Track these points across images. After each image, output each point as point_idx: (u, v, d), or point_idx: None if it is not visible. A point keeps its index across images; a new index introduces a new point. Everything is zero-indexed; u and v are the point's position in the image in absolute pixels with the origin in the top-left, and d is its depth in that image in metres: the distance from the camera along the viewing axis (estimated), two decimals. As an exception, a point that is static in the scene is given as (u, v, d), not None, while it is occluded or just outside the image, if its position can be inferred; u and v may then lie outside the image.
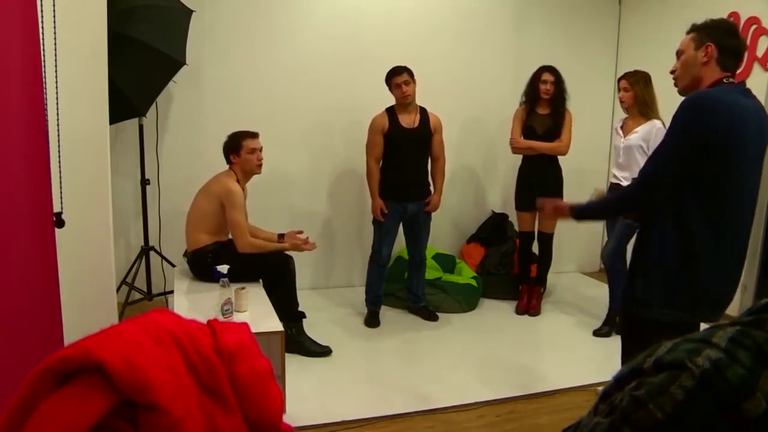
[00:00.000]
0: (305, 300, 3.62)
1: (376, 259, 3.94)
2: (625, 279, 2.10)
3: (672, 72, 2.01)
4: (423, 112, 3.86)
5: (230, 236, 3.40)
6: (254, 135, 3.35)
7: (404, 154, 3.81)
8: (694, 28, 1.97)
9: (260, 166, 3.37)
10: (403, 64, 3.75)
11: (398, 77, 3.71)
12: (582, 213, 2.20)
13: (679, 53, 1.99)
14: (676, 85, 2.02)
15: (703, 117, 1.80)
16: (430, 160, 3.95)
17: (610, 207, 2.30)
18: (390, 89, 3.78)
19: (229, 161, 3.37)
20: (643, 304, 1.96)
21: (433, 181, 3.98)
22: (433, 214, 4.02)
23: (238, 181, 3.32)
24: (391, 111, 3.82)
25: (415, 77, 3.75)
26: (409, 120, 3.80)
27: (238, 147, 3.32)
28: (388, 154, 3.82)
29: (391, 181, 3.83)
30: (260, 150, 3.36)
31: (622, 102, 3.67)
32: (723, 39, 1.90)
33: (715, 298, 1.95)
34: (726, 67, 1.91)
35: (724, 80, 1.90)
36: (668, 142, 1.88)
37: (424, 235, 4.01)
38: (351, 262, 4.73)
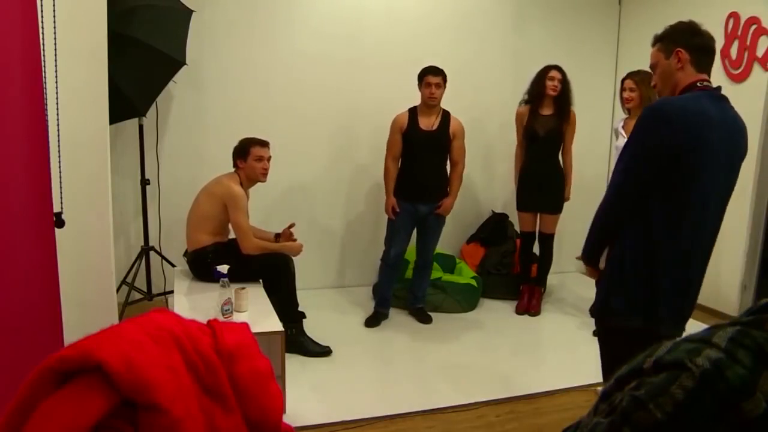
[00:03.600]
0: (305, 300, 3.62)
1: (385, 258, 3.95)
2: (597, 287, 2.09)
3: (654, 86, 2.01)
4: (445, 115, 3.83)
5: (231, 237, 3.40)
6: (264, 144, 3.35)
7: (419, 155, 3.79)
8: (657, 39, 1.96)
9: (265, 174, 3.37)
10: (437, 65, 3.73)
11: (432, 77, 3.69)
12: (584, 252, 2.12)
13: (653, 67, 1.98)
14: (659, 97, 2.00)
15: (659, 125, 1.78)
16: (449, 164, 3.92)
17: (594, 228, 2.06)
18: (419, 85, 3.76)
19: (235, 164, 3.38)
20: (612, 312, 1.97)
21: (450, 185, 3.95)
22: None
23: (241, 185, 3.32)
24: (413, 111, 3.81)
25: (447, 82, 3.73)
26: (428, 122, 3.78)
27: (246, 153, 3.32)
28: (405, 153, 3.83)
29: (406, 180, 3.83)
30: (268, 159, 3.36)
31: (627, 102, 3.64)
32: (689, 39, 1.88)
33: (676, 308, 1.92)
34: (701, 67, 1.88)
35: (698, 83, 1.86)
36: (629, 149, 1.87)
37: (432, 239, 3.98)
38: (352, 262, 4.72)
